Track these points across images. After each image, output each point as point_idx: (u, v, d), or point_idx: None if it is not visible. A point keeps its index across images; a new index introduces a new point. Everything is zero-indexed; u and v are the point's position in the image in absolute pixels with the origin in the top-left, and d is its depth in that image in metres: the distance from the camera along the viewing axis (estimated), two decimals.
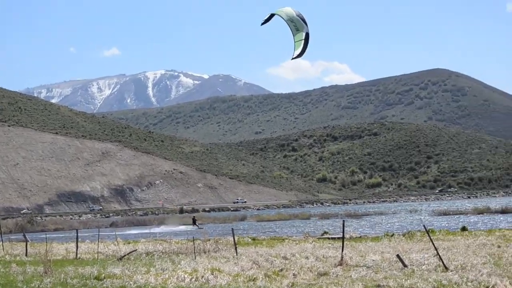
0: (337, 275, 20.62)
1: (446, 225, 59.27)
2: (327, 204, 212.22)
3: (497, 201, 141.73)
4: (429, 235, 22.25)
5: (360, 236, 42.09)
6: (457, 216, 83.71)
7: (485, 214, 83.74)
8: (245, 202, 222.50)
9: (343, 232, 26.89)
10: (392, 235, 39.09)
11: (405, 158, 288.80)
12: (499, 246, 27.73)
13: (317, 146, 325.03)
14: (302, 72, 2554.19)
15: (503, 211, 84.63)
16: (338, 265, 22.61)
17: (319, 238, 41.01)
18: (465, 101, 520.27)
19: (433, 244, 21.51)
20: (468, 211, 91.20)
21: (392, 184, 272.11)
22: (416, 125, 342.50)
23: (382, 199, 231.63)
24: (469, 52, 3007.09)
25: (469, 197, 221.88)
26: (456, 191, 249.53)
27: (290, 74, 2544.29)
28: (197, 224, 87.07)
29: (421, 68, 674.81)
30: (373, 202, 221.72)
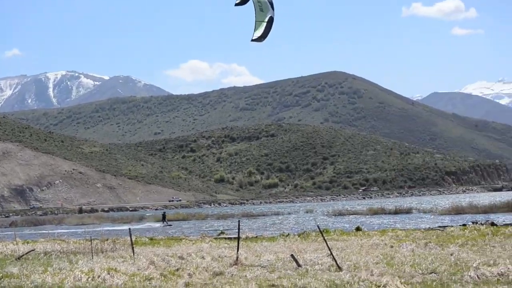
0: (232, 274, 20.48)
1: (341, 225, 60.12)
2: (225, 205, 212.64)
3: (392, 202, 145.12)
4: (322, 235, 22.42)
5: (256, 236, 42.07)
6: (353, 216, 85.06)
7: (379, 214, 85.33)
8: (180, 200, 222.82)
9: (238, 232, 26.83)
10: (287, 235, 39.28)
11: (301, 159, 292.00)
12: (391, 246, 28.17)
13: (215, 147, 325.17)
14: (201, 74, 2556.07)
15: (396, 212, 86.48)
16: (233, 264, 22.48)
17: (215, 238, 40.85)
18: (361, 103, 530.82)
19: (326, 244, 21.66)
20: (363, 211, 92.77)
21: (288, 185, 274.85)
22: (312, 127, 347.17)
23: (279, 200, 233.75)
24: (365, 55, 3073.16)
25: (364, 198, 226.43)
26: (378, 190, 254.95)
27: (189, 76, 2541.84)
28: (166, 220, 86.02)
29: (319, 70, 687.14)
30: (270, 202, 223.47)
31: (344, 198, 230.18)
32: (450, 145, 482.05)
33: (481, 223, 42.62)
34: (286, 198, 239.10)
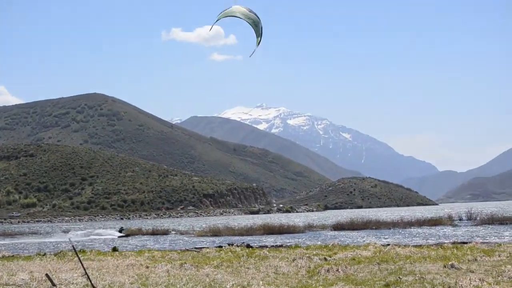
0: None
1: (99, 245, 59.49)
2: None
3: (150, 223, 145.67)
4: (77, 254, 22.08)
5: (13, 255, 40.58)
6: (111, 237, 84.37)
7: (137, 235, 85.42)
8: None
9: None
10: (44, 255, 38.22)
11: (60, 179, 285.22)
12: (147, 267, 28.27)
13: None
14: None
15: (154, 233, 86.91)
16: None
17: None
18: (120, 125, 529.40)
19: (81, 263, 21.36)
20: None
21: (47, 205, 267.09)
22: (72, 148, 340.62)
23: (37, 219, 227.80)
24: (124, 78, 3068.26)
25: (122, 218, 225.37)
26: (194, 209, 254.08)
27: None
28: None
29: (79, 92, 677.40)
30: (28, 222, 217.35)
31: (102, 219, 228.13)
32: (208, 168, 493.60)
33: (236, 245, 43.78)
34: (44, 218, 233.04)
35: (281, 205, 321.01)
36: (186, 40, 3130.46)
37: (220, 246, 43.94)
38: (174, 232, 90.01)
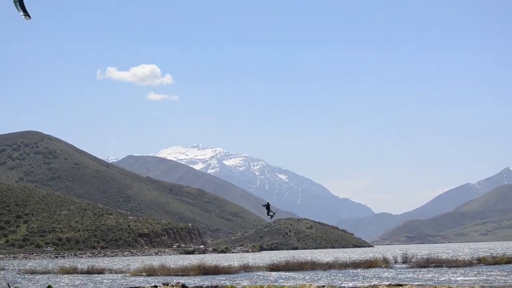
0: None
1: (32, 284, 58.95)
2: None
3: (84, 261, 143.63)
4: None
5: None
6: (46, 275, 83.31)
7: (72, 273, 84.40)
8: None
9: None
10: None
11: None
12: None
13: None
14: None
15: (89, 271, 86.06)
16: None
17: None
18: (56, 163, 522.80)
19: None
20: (56, 270, 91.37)
21: None
22: (7, 185, 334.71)
23: None
24: (61, 116, 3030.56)
25: (57, 257, 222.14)
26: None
27: None
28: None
29: (15, 129, 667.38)
30: None
31: (37, 257, 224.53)
32: (144, 208, 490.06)
33: (172, 285, 44.00)
34: None
35: (216, 245, 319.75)
36: (121, 79, 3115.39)
37: (155, 286, 44.07)
38: (109, 271, 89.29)
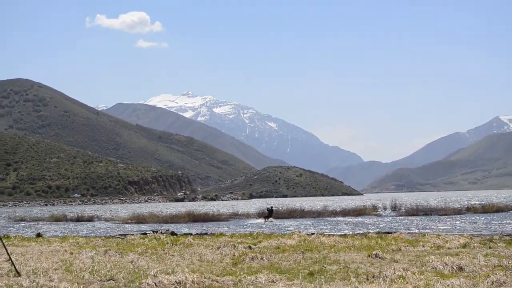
0: None
1: (24, 231, 58.58)
2: None
3: (75, 209, 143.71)
4: (1, 240, 21.83)
5: None
6: (35, 222, 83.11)
7: (61, 221, 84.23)
8: None
9: None
10: None
11: None
12: (71, 253, 28.00)
13: None
14: None
15: (78, 219, 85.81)
16: None
17: None
18: (46, 111, 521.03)
19: (5, 248, 21.13)
20: (45, 218, 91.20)
21: None
22: None
23: None
24: (50, 63, 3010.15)
25: (46, 205, 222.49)
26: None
27: None
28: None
29: (4, 77, 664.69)
30: None
31: (27, 205, 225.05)
32: (133, 156, 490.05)
33: (161, 232, 43.57)
34: None
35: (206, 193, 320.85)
36: (110, 26, 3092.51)
37: (145, 233, 43.66)
38: (99, 218, 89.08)
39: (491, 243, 29.49)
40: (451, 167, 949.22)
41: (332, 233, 41.20)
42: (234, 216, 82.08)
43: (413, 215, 76.17)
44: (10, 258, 21.11)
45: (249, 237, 36.31)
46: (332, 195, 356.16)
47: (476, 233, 41.70)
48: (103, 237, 40.57)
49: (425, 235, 35.81)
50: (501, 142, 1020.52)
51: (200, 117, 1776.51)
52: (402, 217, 73.42)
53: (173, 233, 43.31)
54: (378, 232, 41.67)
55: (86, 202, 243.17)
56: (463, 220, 62.63)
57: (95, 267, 22.25)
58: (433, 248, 27.89)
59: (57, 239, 38.70)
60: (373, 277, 18.56)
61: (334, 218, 74.97)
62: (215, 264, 23.26)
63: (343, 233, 43.71)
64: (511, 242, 29.70)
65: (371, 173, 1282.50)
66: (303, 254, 26.04)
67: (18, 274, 20.17)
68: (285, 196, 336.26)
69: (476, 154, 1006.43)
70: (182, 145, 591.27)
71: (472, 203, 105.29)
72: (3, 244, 21.24)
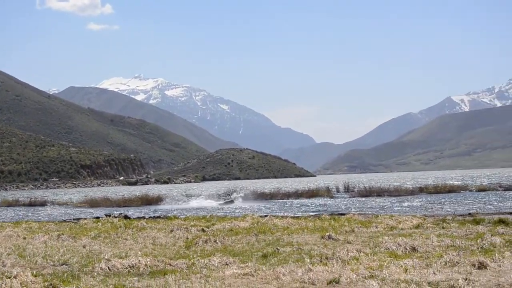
0: None
1: None
2: None
3: (27, 194, 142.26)
4: None
5: None
6: None
7: (13, 206, 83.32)
8: None
9: None
10: None
11: None
12: (24, 238, 27.83)
13: None
14: None
15: (31, 204, 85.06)
16: None
17: None
18: None
19: None
20: None
21: None
22: None
23: None
24: (3, 47, 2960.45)
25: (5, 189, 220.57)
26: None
27: None
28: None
29: None
30: None
31: None
32: (85, 139, 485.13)
33: (114, 216, 43.35)
34: None
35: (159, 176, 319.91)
36: (61, 9, 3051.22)
37: (98, 217, 43.35)
38: (52, 203, 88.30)
39: (444, 224, 29.92)
40: (403, 148, 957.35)
41: (285, 215, 41.35)
42: (189, 198, 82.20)
43: (366, 196, 76.64)
44: None
45: (202, 220, 36.40)
46: (285, 177, 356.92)
47: (429, 213, 42.18)
48: (56, 222, 40.33)
49: (378, 216, 36.09)
50: (453, 122, 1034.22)
51: (152, 99, 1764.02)
52: (355, 198, 73.97)
53: (126, 217, 43.14)
54: (331, 214, 41.95)
55: (39, 186, 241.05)
56: (416, 201, 63.23)
57: (48, 252, 22.14)
58: (386, 229, 28.17)
59: (9, 224, 38.36)
60: (327, 258, 18.70)
61: (287, 200, 75.21)
62: (169, 248, 23.30)
63: (296, 215, 43.88)
64: (464, 223, 30.14)
65: (323, 154, 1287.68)
66: (256, 236, 26.19)
67: None
68: (238, 178, 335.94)
69: (428, 135, 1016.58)
70: (134, 128, 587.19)
71: (425, 183, 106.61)
72: None
